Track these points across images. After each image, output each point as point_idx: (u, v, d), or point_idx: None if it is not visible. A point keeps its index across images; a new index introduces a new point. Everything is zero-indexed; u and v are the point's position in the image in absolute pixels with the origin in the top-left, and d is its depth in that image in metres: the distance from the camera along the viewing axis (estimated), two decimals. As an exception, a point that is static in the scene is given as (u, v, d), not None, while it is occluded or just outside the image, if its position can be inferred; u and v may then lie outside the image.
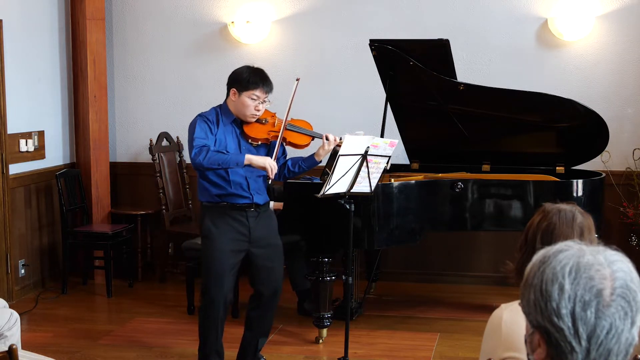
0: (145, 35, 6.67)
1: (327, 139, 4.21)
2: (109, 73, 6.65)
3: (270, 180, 4.14)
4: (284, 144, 4.27)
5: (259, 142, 4.17)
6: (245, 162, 3.98)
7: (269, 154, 4.18)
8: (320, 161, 4.28)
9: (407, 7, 6.22)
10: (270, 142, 4.19)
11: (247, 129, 4.14)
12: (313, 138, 4.31)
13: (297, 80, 4.24)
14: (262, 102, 4.09)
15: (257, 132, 4.16)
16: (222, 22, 6.50)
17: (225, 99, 4.16)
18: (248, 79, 4.06)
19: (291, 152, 4.47)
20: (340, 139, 4.27)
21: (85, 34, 6.36)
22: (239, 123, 4.14)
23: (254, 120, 4.14)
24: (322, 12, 6.36)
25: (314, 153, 4.25)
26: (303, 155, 4.37)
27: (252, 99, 4.05)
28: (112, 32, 6.70)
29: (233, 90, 4.09)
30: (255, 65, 4.19)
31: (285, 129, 4.18)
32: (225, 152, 4.02)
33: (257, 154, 4.15)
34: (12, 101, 5.76)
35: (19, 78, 5.89)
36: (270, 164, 4.00)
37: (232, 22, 6.43)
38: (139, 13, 6.67)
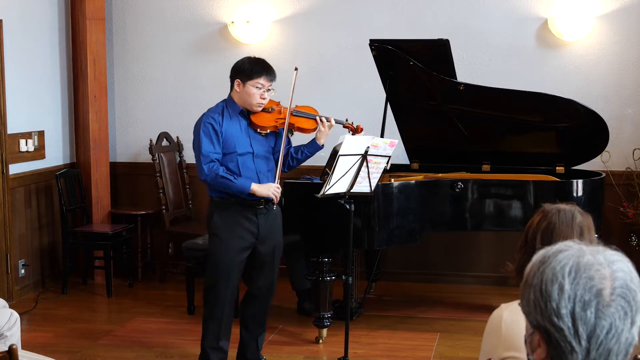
0: (145, 35, 6.67)
1: (321, 120, 4.30)
2: (109, 73, 6.65)
3: (275, 206, 4.16)
4: (292, 129, 4.34)
5: (268, 131, 4.22)
6: (250, 192, 4.04)
7: (277, 142, 4.24)
8: (323, 145, 4.32)
9: (407, 7, 6.22)
10: (279, 130, 4.23)
11: (254, 119, 4.17)
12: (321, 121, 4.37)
13: (295, 70, 4.28)
14: (266, 90, 4.12)
15: (265, 121, 4.20)
16: (222, 22, 6.50)
17: (230, 92, 4.18)
18: (251, 68, 4.09)
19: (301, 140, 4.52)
20: (346, 119, 4.43)
21: (85, 34, 6.36)
22: (246, 114, 4.17)
23: (260, 109, 4.16)
24: (322, 12, 6.36)
25: (314, 138, 4.30)
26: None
27: (257, 87, 4.08)
28: (112, 32, 6.70)
29: (237, 81, 4.11)
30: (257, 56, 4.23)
31: (291, 114, 4.23)
32: (232, 178, 4.03)
33: (267, 143, 4.21)
34: (12, 101, 5.76)
35: (19, 78, 5.89)
36: (274, 192, 4.08)
37: (232, 22, 6.43)
38: (139, 13, 6.66)
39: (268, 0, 6.42)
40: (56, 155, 6.42)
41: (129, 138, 6.78)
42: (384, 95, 5.40)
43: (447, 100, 5.34)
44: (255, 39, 6.42)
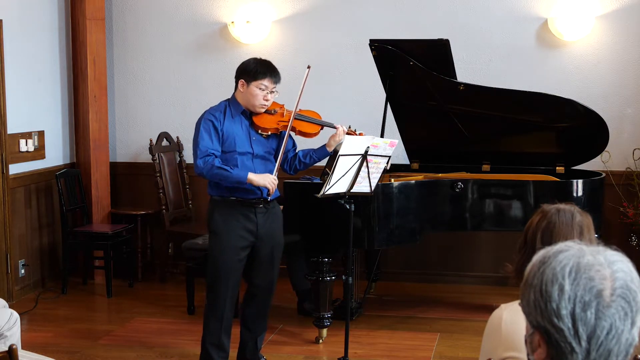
0: (145, 35, 6.67)
1: (335, 127, 4.33)
2: (109, 73, 6.65)
3: (269, 198, 4.14)
4: (295, 133, 4.34)
5: (269, 133, 4.22)
6: (247, 182, 4.05)
7: (279, 144, 4.24)
8: (332, 151, 4.34)
9: (407, 7, 6.22)
10: (280, 132, 4.24)
11: (256, 120, 4.19)
12: (322, 127, 4.40)
13: (308, 68, 4.30)
14: (270, 92, 4.14)
15: (267, 123, 4.21)
16: (222, 22, 6.50)
17: (234, 92, 4.21)
18: (256, 69, 4.12)
19: (302, 144, 4.53)
20: (349, 127, 4.40)
21: (85, 34, 6.36)
22: (248, 114, 4.19)
23: (263, 110, 4.19)
24: (322, 12, 6.36)
25: (325, 144, 4.33)
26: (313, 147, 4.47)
27: (261, 88, 4.11)
28: (112, 32, 6.70)
29: (241, 81, 4.15)
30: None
31: (295, 118, 4.24)
32: (229, 169, 4.05)
33: (268, 144, 4.23)
34: (12, 101, 5.76)
35: (19, 78, 5.89)
36: (270, 182, 4.07)
37: (232, 22, 6.43)
38: (139, 13, 6.66)
39: (268, 0, 6.42)
40: (56, 155, 6.41)
41: (129, 138, 6.78)
42: (384, 95, 5.40)
43: (447, 100, 5.34)
44: (255, 39, 6.42)
